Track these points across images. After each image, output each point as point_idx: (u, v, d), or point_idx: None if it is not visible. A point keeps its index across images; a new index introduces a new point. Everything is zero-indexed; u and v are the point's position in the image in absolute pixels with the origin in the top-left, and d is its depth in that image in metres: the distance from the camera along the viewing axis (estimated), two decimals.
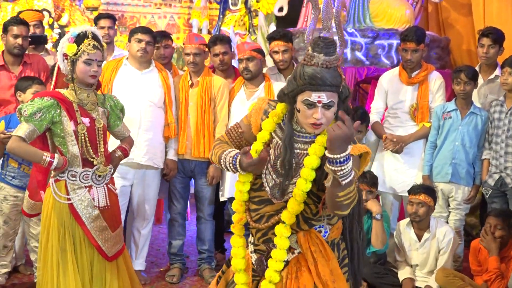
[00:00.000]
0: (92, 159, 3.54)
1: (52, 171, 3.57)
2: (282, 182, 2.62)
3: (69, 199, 3.49)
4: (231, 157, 2.65)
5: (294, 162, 2.62)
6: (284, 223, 2.61)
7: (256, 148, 2.67)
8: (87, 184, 3.54)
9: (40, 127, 3.43)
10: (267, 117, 2.70)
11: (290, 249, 2.67)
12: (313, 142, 2.59)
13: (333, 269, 2.62)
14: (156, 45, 5.10)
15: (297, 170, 2.61)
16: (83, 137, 3.49)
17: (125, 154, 3.85)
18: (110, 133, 3.88)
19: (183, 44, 5.11)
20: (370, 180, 4.85)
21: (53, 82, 3.60)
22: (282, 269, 2.66)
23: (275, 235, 2.65)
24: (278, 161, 2.65)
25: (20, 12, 5.83)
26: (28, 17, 5.47)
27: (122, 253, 3.68)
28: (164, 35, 5.30)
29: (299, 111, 2.57)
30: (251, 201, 2.74)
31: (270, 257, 2.67)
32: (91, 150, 3.52)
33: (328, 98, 2.50)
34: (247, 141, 2.82)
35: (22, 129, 3.42)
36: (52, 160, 3.43)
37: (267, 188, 2.67)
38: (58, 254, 3.49)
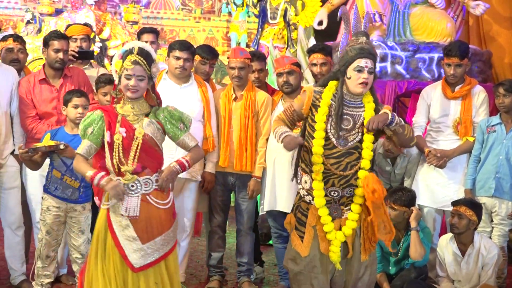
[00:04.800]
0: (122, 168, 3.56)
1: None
2: (337, 129, 3.66)
3: (106, 206, 3.56)
4: (282, 132, 3.74)
5: (350, 120, 3.69)
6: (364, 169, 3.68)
7: (319, 119, 3.70)
8: None
9: (96, 141, 3.56)
10: (320, 97, 3.73)
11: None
12: (361, 106, 3.70)
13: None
14: (204, 60, 5.15)
15: (354, 126, 3.70)
16: (117, 146, 3.53)
17: (182, 166, 3.72)
18: (177, 145, 3.85)
19: (228, 58, 5.12)
20: (399, 198, 4.71)
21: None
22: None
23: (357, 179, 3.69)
24: (335, 117, 3.67)
25: (68, 26, 5.83)
26: (76, 31, 5.50)
27: (153, 266, 3.59)
28: (214, 54, 5.30)
29: (349, 78, 3.64)
30: (331, 157, 3.69)
31: (343, 203, 3.74)
32: (123, 159, 3.53)
33: (371, 65, 3.60)
34: (298, 116, 3.85)
35: (81, 146, 3.58)
36: (94, 177, 3.51)
37: (333, 139, 3.69)
38: (93, 256, 3.59)
